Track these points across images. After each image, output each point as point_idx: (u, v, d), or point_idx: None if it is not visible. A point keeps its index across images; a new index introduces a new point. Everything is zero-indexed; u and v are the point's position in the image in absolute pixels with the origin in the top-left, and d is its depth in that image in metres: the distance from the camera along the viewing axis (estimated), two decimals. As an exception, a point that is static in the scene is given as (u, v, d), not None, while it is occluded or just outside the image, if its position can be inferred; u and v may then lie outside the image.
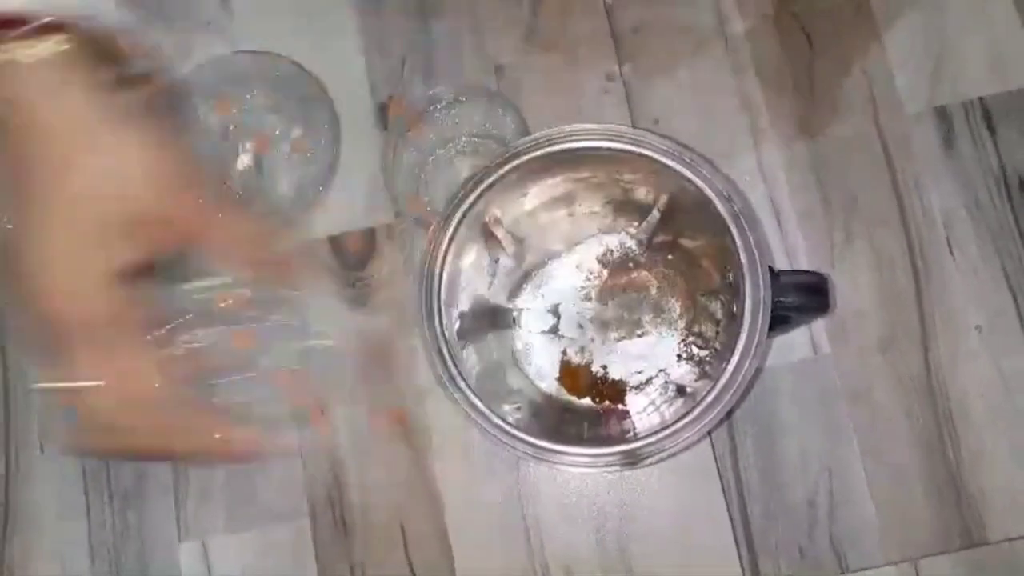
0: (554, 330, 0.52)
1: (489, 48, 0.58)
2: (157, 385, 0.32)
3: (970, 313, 0.53)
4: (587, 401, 0.50)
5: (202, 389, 0.35)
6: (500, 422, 0.41)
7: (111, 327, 0.32)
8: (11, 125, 0.32)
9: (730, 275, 0.43)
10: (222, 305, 0.37)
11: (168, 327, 0.35)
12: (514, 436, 0.40)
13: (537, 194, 0.48)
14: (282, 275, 0.37)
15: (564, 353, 0.51)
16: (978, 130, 0.55)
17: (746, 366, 0.39)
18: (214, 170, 0.57)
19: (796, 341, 0.53)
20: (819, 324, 0.53)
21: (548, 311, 0.52)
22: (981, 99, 0.55)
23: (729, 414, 0.47)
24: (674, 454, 0.41)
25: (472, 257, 0.47)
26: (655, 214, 0.48)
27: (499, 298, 0.52)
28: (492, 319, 0.51)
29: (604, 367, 0.51)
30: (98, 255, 0.32)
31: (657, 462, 0.41)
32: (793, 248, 0.54)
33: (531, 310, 0.52)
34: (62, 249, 0.32)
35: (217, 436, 0.33)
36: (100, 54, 0.33)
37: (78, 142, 0.32)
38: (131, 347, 0.32)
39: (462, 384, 0.41)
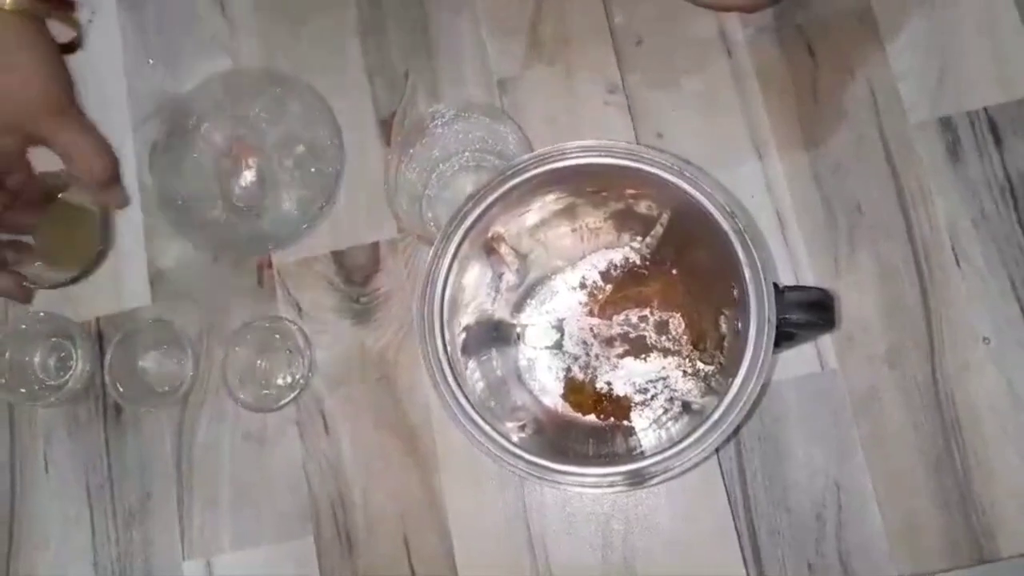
0: (558, 346, 0.51)
1: (492, 62, 0.58)
2: None
3: (977, 324, 0.52)
4: (592, 418, 0.50)
5: None
6: (503, 442, 0.40)
7: None
8: None
9: (734, 290, 0.42)
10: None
11: None
12: (517, 456, 0.40)
13: (539, 210, 0.47)
14: (103, 192, 0.53)
15: (568, 370, 0.51)
16: (983, 140, 0.55)
17: (751, 384, 0.39)
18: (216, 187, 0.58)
19: (803, 355, 0.52)
20: (826, 338, 0.52)
21: (552, 327, 0.52)
22: (986, 109, 0.55)
23: (736, 431, 0.47)
24: (680, 474, 0.40)
25: (475, 273, 0.47)
26: (658, 229, 0.48)
27: (503, 313, 0.51)
28: (496, 335, 0.51)
29: (608, 383, 0.51)
30: None
31: (663, 482, 0.40)
32: (798, 261, 0.54)
33: (535, 326, 0.52)
34: None
35: None
36: None
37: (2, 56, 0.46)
38: None
39: (464, 403, 0.41)
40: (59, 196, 0.53)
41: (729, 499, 0.51)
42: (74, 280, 0.54)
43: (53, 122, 0.48)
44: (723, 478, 0.51)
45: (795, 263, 0.54)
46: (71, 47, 0.55)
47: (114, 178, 0.52)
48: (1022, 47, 0.55)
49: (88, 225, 0.52)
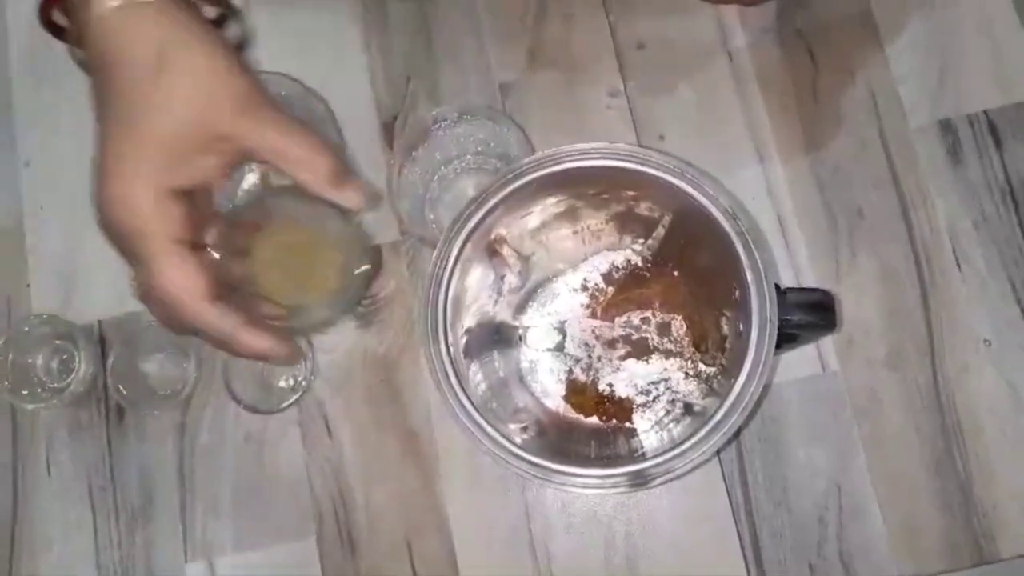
0: (560, 348, 0.52)
1: (493, 66, 0.58)
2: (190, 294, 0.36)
3: (978, 326, 0.52)
4: (594, 419, 0.50)
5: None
6: (506, 443, 0.41)
7: (157, 240, 0.35)
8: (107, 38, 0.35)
9: (736, 292, 0.43)
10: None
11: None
12: (520, 457, 0.40)
13: (541, 212, 0.48)
14: (339, 192, 0.39)
15: (570, 371, 0.51)
16: (984, 142, 0.55)
17: (753, 385, 0.39)
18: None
19: (804, 357, 0.52)
20: (827, 340, 0.53)
21: (554, 328, 0.52)
22: (986, 112, 0.55)
23: (737, 433, 0.47)
24: (682, 475, 0.40)
25: (477, 275, 0.47)
26: (660, 231, 0.48)
27: (505, 316, 0.52)
28: (498, 337, 0.51)
29: (610, 385, 0.51)
30: (164, 170, 0.36)
31: (665, 483, 0.40)
32: (798, 264, 0.54)
33: (537, 328, 0.52)
34: (130, 159, 0.36)
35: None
36: None
37: (168, 57, 0.36)
38: (169, 257, 0.36)
39: (467, 405, 0.41)
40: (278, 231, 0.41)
41: (730, 500, 0.51)
42: (331, 321, 0.49)
43: (253, 118, 0.38)
44: (724, 480, 0.52)
45: (796, 266, 0.54)
46: (239, 46, 0.48)
47: (346, 171, 0.40)
48: (1021, 50, 0.56)
49: (309, 254, 0.41)
